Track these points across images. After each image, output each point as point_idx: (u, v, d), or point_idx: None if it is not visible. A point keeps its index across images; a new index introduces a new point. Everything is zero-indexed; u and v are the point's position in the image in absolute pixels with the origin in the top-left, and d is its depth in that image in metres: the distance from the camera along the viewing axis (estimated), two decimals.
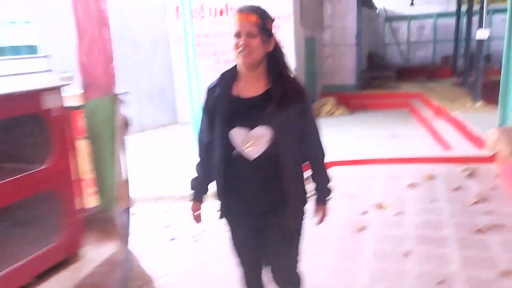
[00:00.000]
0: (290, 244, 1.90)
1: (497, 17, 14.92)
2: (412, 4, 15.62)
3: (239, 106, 1.72)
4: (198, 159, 1.94)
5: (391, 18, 17.43)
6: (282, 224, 1.81)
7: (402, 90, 12.12)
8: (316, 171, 1.89)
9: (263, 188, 1.78)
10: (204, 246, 3.58)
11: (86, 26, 2.29)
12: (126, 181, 2.56)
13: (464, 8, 13.57)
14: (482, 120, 6.52)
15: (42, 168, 2.04)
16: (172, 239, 3.71)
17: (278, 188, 1.75)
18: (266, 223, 1.84)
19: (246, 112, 1.71)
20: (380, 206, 4.13)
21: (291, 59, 10.70)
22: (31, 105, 1.96)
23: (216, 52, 10.06)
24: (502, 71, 5.54)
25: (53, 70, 2.11)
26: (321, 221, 1.94)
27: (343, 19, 13.01)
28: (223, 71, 1.81)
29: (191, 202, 1.99)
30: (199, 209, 1.97)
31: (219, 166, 1.78)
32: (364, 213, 4.02)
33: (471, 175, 4.79)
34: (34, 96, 1.96)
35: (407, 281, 2.89)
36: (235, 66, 1.77)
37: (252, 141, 1.70)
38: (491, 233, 3.45)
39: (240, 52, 1.65)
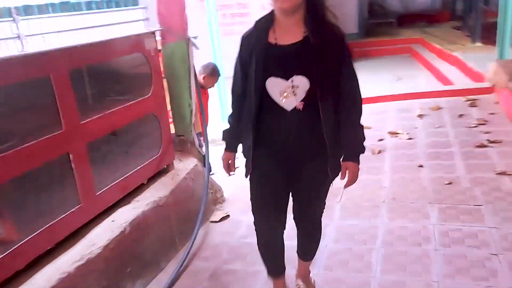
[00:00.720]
0: (322, 191, 1.88)
1: None
2: None
3: (276, 54, 1.63)
4: (230, 111, 1.89)
5: None
6: (318, 172, 1.78)
7: (403, 36, 12.51)
8: (350, 122, 1.74)
9: (301, 137, 1.71)
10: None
11: None
12: (197, 111, 3.18)
13: None
14: (481, 58, 7.06)
15: (147, 96, 2.65)
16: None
17: (317, 138, 1.68)
18: (300, 172, 1.79)
19: (284, 61, 1.63)
20: (394, 133, 4.78)
21: None
22: (137, 47, 2.54)
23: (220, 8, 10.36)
24: (499, 11, 6.04)
25: (149, 18, 2.67)
26: (350, 183, 1.77)
27: None
28: (258, 18, 1.71)
29: (223, 154, 1.94)
30: (231, 158, 1.92)
31: (251, 117, 1.70)
32: (381, 139, 4.67)
33: (472, 104, 5.43)
34: (139, 39, 2.54)
35: (421, 184, 3.58)
36: (271, 12, 1.67)
37: (290, 91, 1.62)
38: (490, 146, 4.12)
39: None
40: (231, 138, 1.90)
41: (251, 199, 1.90)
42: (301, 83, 1.62)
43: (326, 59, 1.61)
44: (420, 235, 2.70)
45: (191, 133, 3.15)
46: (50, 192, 2.17)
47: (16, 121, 2.03)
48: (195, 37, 3.00)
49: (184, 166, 2.99)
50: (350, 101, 1.72)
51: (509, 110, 4.85)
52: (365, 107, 1.79)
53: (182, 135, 3.16)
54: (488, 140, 4.24)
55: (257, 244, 2.01)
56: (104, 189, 2.32)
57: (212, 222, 3.08)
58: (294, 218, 1.99)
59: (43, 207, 2.12)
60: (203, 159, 3.17)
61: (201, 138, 3.29)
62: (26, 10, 1.88)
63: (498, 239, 2.57)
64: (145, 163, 2.67)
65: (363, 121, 1.79)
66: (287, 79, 1.62)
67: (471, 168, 3.72)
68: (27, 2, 2.12)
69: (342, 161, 1.77)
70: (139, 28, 2.64)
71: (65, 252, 2.04)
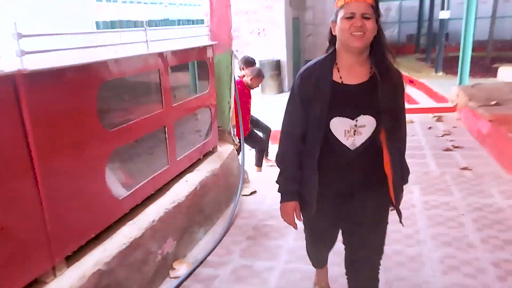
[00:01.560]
0: (382, 229, 1.81)
1: (453, 0, 16.87)
2: None
3: (342, 93, 1.61)
4: (285, 154, 1.76)
5: None
6: (380, 206, 1.77)
7: None
8: (401, 155, 1.79)
9: (363, 175, 1.71)
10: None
11: (217, 7, 3.69)
12: (233, 108, 4.01)
13: None
14: (444, 84, 8.30)
15: (206, 92, 3.46)
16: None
17: (379, 174, 1.69)
18: (359, 209, 1.76)
19: (351, 100, 1.61)
20: None
21: (283, 37, 12.16)
22: (203, 55, 3.37)
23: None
24: (461, 45, 7.26)
25: (208, 34, 3.51)
26: (398, 211, 1.80)
27: (322, 1, 14.52)
28: (317, 58, 1.70)
29: (283, 205, 1.78)
30: (297, 208, 1.78)
31: (314, 156, 1.67)
32: None
33: (439, 119, 6.52)
34: (204, 49, 3.36)
35: None
36: (333, 50, 1.65)
37: (356, 130, 1.61)
38: (454, 150, 5.14)
39: (354, 34, 1.52)
40: (292, 186, 1.75)
41: (306, 231, 2.02)
42: (368, 122, 1.61)
43: (392, 100, 1.62)
44: (408, 203, 3.59)
45: (228, 125, 3.96)
46: (152, 155, 2.93)
47: (136, 101, 2.80)
48: (236, 51, 3.85)
49: (224, 149, 3.79)
50: (402, 135, 1.76)
51: (468, 124, 5.94)
52: None
53: (220, 126, 3.96)
54: (453, 145, 5.27)
55: (306, 249, 2.19)
56: (181, 157, 3.09)
57: (243, 195, 3.87)
58: (347, 267, 1.90)
59: (148, 164, 2.87)
60: (237, 146, 3.99)
61: (235, 130, 4.11)
62: (148, 23, 2.53)
63: (463, 206, 3.51)
64: (202, 143, 3.46)
65: None
66: (353, 118, 1.60)
67: (441, 165, 4.69)
68: (151, 17, 2.85)
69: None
70: (202, 41, 3.45)
71: (162, 197, 2.79)
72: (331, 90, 1.60)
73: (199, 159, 3.46)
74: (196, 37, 3.35)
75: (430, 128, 6.17)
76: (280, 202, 1.78)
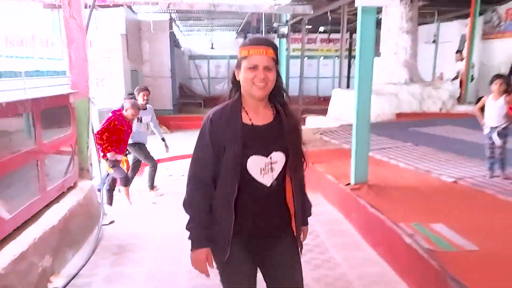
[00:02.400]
0: (298, 262, 1.87)
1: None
2: (212, 47, 19.40)
3: (254, 134, 1.70)
4: (194, 198, 1.76)
5: (194, 57, 20.96)
6: (291, 243, 1.82)
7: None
8: (302, 190, 1.90)
9: (274, 211, 1.77)
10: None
11: (76, 61, 4.29)
12: (91, 147, 4.56)
13: None
14: None
15: (68, 133, 3.97)
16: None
17: (286, 210, 1.77)
18: (273, 247, 1.80)
19: (263, 139, 1.70)
20: None
21: (121, 87, 12.71)
22: (67, 100, 3.90)
23: None
24: None
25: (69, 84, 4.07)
26: (303, 240, 1.92)
27: (160, 56, 15.64)
28: (225, 103, 1.78)
29: (194, 253, 1.75)
30: (209, 254, 1.77)
31: (230, 199, 1.69)
32: None
33: None
34: (68, 96, 3.90)
35: None
36: (239, 96, 1.75)
37: (269, 167, 1.70)
38: None
39: (258, 85, 1.65)
40: (203, 231, 1.74)
41: (222, 281, 1.83)
42: (279, 158, 1.71)
43: (296, 136, 1.78)
44: None
45: (87, 163, 4.45)
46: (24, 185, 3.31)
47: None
48: (93, 98, 4.47)
49: (84, 183, 4.27)
50: (301, 171, 1.84)
51: None
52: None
53: (81, 163, 4.44)
54: None
55: None
56: (51, 187, 3.52)
57: (103, 225, 4.35)
58: None
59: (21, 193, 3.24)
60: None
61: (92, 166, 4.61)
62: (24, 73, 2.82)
63: None
64: (67, 177, 3.91)
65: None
66: (267, 156, 1.69)
67: None
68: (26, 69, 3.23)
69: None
70: (65, 89, 4.00)
71: (38, 220, 3.19)
72: (242, 131, 1.68)
73: (63, 192, 3.89)
74: (60, 86, 3.89)
75: None
76: (191, 250, 1.75)
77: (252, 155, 1.68)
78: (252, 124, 1.71)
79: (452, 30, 14.24)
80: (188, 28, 16.99)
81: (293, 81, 18.97)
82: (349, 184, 4.40)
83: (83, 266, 3.39)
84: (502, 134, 4.62)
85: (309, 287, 3.02)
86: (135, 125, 5.63)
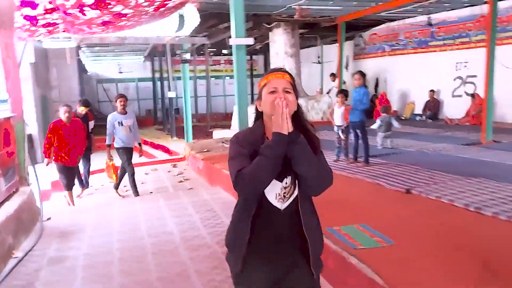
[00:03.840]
0: None
1: (179, 82, 21.27)
2: (120, 72, 20.22)
3: None
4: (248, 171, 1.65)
5: (102, 81, 21.51)
6: (308, 274, 1.79)
7: None
8: (314, 220, 1.86)
9: (288, 237, 1.77)
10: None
11: (11, 90, 5.29)
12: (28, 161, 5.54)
13: (157, 75, 19.12)
14: (178, 145, 11.31)
15: (10, 147, 4.95)
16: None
17: (302, 238, 1.75)
18: (290, 274, 1.78)
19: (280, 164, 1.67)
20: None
21: (32, 112, 13.13)
22: (9, 123, 4.89)
23: None
24: (184, 115, 10.40)
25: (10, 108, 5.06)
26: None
27: (68, 81, 16.14)
28: (247, 128, 1.87)
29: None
30: None
31: (247, 218, 1.74)
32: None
33: (174, 166, 9.28)
34: (8, 119, 4.90)
35: (163, 184, 6.79)
36: (261, 121, 1.80)
37: (284, 191, 1.73)
38: (186, 181, 7.82)
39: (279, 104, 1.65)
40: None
41: None
42: (292, 182, 1.74)
43: (305, 162, 1.70)
44: (156, 203, 5.86)
45: (24, 172, 5.42)
46: None
47: None
48: (27, 122, 5.47)
49: (25, 189, 5.25)
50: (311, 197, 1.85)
51: (192, 165, 8.86)
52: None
53: (21, 172, 5.39)
54: (184, 178, 7.97)
55: None
56: (4, 188, 4.50)
57: (44, 221, 5.33)
58: None
59: None
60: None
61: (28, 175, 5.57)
62: None
63: (190, 202, 6.03)
64: (11, 183, 4.89)
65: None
66: (281, 180, 1.72)
67: (176, 187, 7.23)
68: None
69: None
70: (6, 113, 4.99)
71: None
72: None
73: (11, 194, 4.86)
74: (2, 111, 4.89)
75: (169, 171, 8.82)
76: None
77: None
78: None
79: (333, 52, 16.86)
80: (95, 53, 17.64)
81: (202, 100, 20.45)
82: None
83: (34, 245, 4.42)
84: (344, 131, 6.51)
85: (206, 240, 4.41)
86: (117, 129, 6.65)
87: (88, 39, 9.70)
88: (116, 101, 6.84)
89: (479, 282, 2.59)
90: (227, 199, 5.96)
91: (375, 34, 14.83)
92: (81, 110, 7.33)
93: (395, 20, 13.49)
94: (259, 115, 1.84)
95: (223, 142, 9.50)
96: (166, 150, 11.44)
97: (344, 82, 13.09)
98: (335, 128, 6.65)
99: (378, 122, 7.81)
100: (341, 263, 3.12)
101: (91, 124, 7.85)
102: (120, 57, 19.95)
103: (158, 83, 19.59)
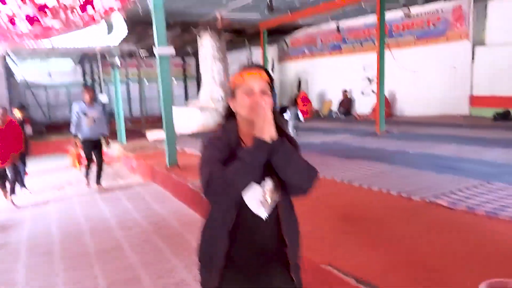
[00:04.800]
0: None
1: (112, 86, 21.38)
2: (50, 76, 20.00)
3: None
4: (219, 174, 1.52)
5: (31, 86, 21.09)
6: (287, 278, 1.71)
7: (54, 139, 16.20)
8: (293, 221, 1.78)
9: (268, 242, 1.68)
10: None
11: None
12: None
13: (87, 78, 19.22)
14: (111, 147, 11.79)
15: None
16: None
17: (280, 243, 1.68)
18: (269, 280, 1.69)
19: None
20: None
21: None
22: None
23: None
24: (116, 117, 10.90)
25: None
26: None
27: None
28: (220, 130, 1.70)
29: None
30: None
31: (224, 228, 1.62)
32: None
33: (109, 164, 9.82)
34: None
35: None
36: (235, 121, 1.69)
37: (265, 196, 1.63)
38: (121, 178, 8.42)
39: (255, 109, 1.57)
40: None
41: None
42: (272, 184, 1.64)
43: (282, 162, 1.60)
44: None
45: None
46: None
47: None
48: None
49: None
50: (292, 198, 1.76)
51: (126, 164, 9.47)
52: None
53: None
54: (118, 177, 8.57)
55: None
56: None
57: None
58: None
59: None
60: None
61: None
62: None
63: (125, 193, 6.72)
64: None
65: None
66: (259, 182, 1.62)
67: (114, 183, 7.85)
68: None
69: None
70: None
71: None
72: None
73: None
74: None
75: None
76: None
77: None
78: None
79: None
80: (22, 59, 17.42)
81: (135, 103, 20.73)
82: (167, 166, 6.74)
83: None
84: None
85: (139, 222, 5.18)
86: (82, 119, 6.77)
87: (17, 47, 9.93)
88: (83, 92, 7.01)
89: (339, 226, 3.63)
90: (159, 191, 6.74)
91: (297, 38, 16.16)
92: (17, 114, 7.70)
93: (312, 25, 14.86)
94: (231, 112, 1.72)
95: (155, 141, 10.18)
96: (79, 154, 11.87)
97: None
98: None
99: (288, 113, 9.09)
100: None
101: (28, 128, 8.10)
102: (50, 63, 19.77)
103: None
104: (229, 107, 1.72)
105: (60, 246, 4.55)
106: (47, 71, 20.22)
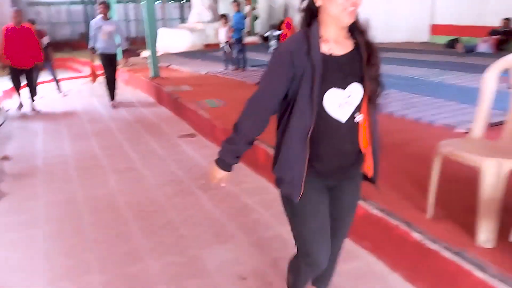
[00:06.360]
0: (355, 207, 1.84)
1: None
2: None
3: (333, 65, 1.56)
4: (244, 126, 1.65)
5: (33, 3, 21.88)
6: (357, 186, 1.79)
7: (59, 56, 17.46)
8: (376, 133, 1.72)
9: (348, 149, 1.65)
10: None
11: None
12: None
13: None
14: None
15: None
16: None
17: (360, 149, 1.67)
18: (343, 188, 1.75)
19: (341, 71, 1.57)
20: None
21: None
22: None
23: None
24: None
25: None
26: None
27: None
28: (302, 30, 1.60)
29: (214, 169, 1.72)
30: (221, 177, 1.75)
31: (304, 134, 1.58)
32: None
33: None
34: None
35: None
36: (316, 24, 1.57)
37: (347, 100, 1.58)
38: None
39: (349, 10, 1.50)
40: (233, 160, 1.71)
41: (301, 230, 1.74)
42: (357, 91, 1.59)
43: (377, 67, 1.61)
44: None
45: None
46: None
47: None
48: None
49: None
50: (377, 107, 1.68)
51: (122, 77, 10.97)
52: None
53: None
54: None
55: (299, 273, 1.89)
56: None
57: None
58: None
59: None
60: None
61: None
62: None
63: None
64: None
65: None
66: (344, 88, 1.58)
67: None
68: None
69: None
70: None
71: None
72: (323, 63, 1.53)
73: None
74: None
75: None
76: (215, 163, 1.71)
77: (330, 87, 1.56)
78: (331, 54, 1.57)
79: None
80: None
81: (132, 24, 21.64)
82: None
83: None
84: (228, 47, 8.96)
85: (125, 116, 6.84)
86: (99, 33, 7.03)
87: None
88: (99, 8, 7.25)
89: None
90: (145, 97, 8.40)
91: None
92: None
93: None
94: (312, 12, 1.60)
95: (145, 58, 11.60)
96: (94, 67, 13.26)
97: (254, 9, 15.18)
98: (221, 45, 9.08)
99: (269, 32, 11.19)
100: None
101: (45, 39, 8.70)
102: None
103: (89, 7, 20.40)
104: (312, 3, 1.58)
105: (67, 129, 6.27)
106: None
